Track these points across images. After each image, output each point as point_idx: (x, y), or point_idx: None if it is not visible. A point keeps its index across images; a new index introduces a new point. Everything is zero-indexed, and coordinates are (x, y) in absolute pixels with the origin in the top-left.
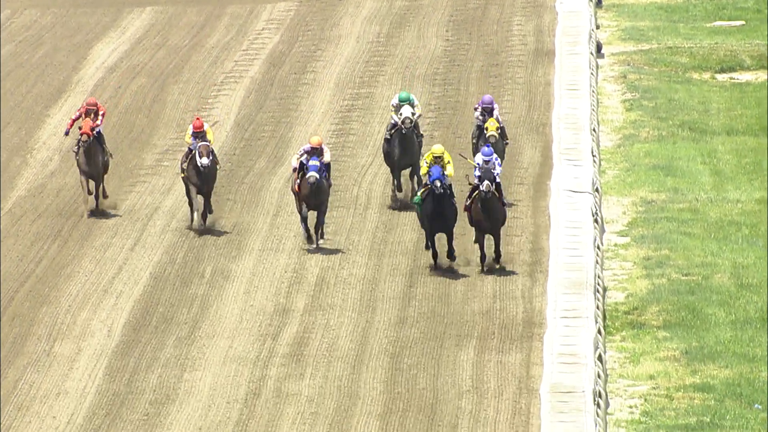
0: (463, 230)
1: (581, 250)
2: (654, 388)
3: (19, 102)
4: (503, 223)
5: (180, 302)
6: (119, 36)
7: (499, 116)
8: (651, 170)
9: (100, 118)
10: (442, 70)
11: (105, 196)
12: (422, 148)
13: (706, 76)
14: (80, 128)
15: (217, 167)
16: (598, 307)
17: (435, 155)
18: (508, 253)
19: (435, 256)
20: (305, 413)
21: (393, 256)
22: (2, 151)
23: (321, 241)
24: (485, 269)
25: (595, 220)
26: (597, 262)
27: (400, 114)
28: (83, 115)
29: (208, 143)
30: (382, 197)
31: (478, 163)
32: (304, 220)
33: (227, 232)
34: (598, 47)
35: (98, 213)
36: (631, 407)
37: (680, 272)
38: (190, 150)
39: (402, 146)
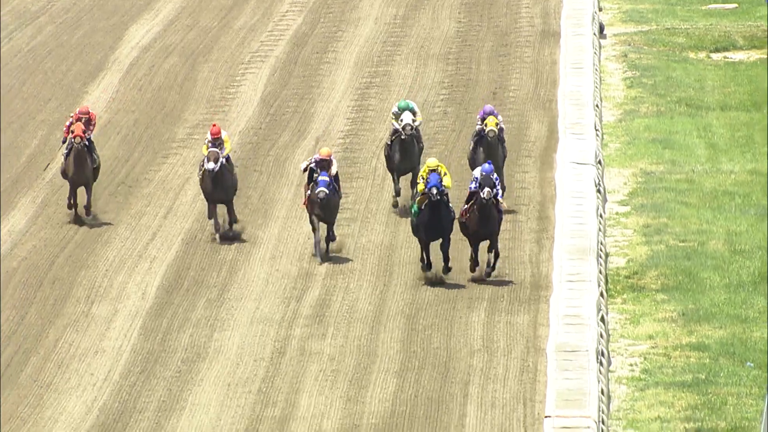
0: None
1: (585, 219)
2: (653, 347)
3: (60, 79)
4: (498, 232)
5: (210, 266)
6: (153, 18)
7: (501, 122)
8: (650, 143)
9: (92, 126)
10: (455, 49)
11: (88, 213)
12: (423, 154)
13: (702, 55)
14: (72, 132)
15: (235, 169)
16: (600, 272)
17: (430, 168)
18: (517, 222)
19: (429, 267)
20: (327, 370)
21: (409, 224)
22: (44, 125)
23: (331, 251)
24: (477, 276)
25: (598, 190)
26: (600, 230)
27: (401, 120)
28: (75, 122)
29: (216, 150)
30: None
31: (476, 177)
32: (315, 231)
33: (254, 202)
34: (601, 28)
35: (86, 221)
36: (631, 365)
37: (677, 239)
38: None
39: (402, 151)
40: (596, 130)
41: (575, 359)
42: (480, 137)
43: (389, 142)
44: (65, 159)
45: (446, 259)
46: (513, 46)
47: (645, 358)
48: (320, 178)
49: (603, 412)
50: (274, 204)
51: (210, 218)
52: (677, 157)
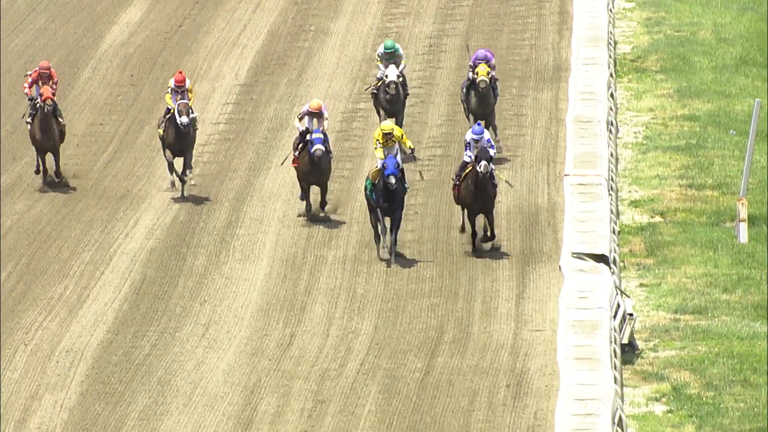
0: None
1: (597, 13)
2: (653, 118)
3: None
4: (493, 206)
5: (290, 52)
6: None
7: (494, 69)
8: None
9: (54, 84)
10: None
11: (58, 176)
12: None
13: None
14: (41, 95)
15: (196, 126)
16: (610, 56)
17: (384, 132)
18: (542, 16)
19: (378, 239)
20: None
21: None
22: None
23: (323, 214)
24: (476, 248)
25: None
26: (610, 22)
27: (386, 76)
28: (39, 79)
29: (187, 102)
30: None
31: (468, 142)
32: (305, 196)
33: (324, 8)
34: None
35: (56, 185)
36: (635, 133)
37: (673, 29)
38: (168, 110)
39: (388, 102)
40: None
41: (589, 128)
42: (472, 84)
43: (374, 90)
44: (31, 123)
45: (395, 238)
46: None
47: (646, 127)
48: (314, 135)
49: (612, 171)
50: (343, 0)
51: (170, 171)
52: None
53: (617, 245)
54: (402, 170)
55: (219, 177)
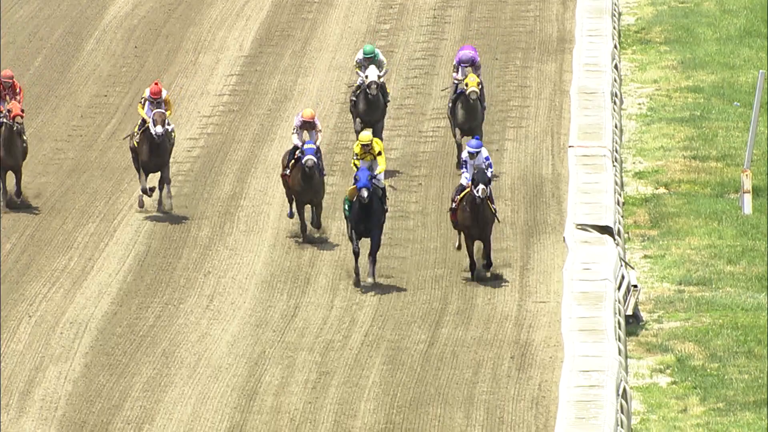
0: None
1: None
2: (657, 89)
3: None
4: (491, 230)
5: (295, 24)
6: None
7: (479, 68)
8: None
9: (19, 96)
10: None
11: (18, 195)
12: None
13: None
14: (9, 111)
15: (173, 139)
16: (614, 28)
17: (363, 143)
18: None
19: (357, 272)
20: (394, 106)
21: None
22: None
23: (318, 234)
24: (474, 278)
25: None
26: None
27: (366, 77)
28: (2, 89)
29: (163, 111)
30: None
31: (465, 160)
32: (299, 216)
33: None
34: None
35: (17, 207)
36: (639, 104)
37: (677, 1)
38: (144, 122)
39: (367, 107)
40: None
41: (593, 99)
42: (460, 94)
43: (354, 98)
44: None
45: (373, 260)
46: None
47: (651, 99)
48: (306, 146)
49: (616, 143)
50: None
51: (142, 186)
52: None
53: (621, 217)
54: (384, 189)
55: (223, 149)
